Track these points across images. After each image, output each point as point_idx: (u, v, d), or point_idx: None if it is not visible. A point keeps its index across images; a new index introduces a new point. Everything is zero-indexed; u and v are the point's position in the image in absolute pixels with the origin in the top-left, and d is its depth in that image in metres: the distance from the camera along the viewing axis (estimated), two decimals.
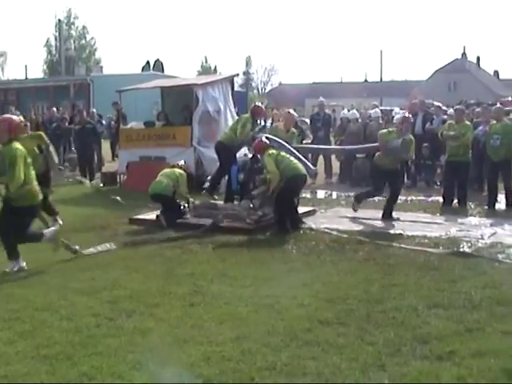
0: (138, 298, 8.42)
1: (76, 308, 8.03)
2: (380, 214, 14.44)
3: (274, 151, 13.30)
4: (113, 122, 27.89)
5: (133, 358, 6.37)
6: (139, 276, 9.57)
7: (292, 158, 13.39)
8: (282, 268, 10.08)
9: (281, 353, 6.46)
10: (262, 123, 22.90)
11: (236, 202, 14.73)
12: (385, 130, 15.33)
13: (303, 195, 15.64)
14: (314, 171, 15.07)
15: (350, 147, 18.89)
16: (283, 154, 13.41)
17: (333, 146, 20.56)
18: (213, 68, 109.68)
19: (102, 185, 21.23)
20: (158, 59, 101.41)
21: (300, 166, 13.33)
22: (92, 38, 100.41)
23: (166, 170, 14.16)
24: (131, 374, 6.02)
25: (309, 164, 14.40)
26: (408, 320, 7.49)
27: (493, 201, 15.98)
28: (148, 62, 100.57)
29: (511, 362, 6.16)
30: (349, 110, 24.26)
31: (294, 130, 15.91)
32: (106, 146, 26.10)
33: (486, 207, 15.91)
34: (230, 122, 20.65)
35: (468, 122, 16.86)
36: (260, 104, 16.11)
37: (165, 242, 11.94)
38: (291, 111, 17.08)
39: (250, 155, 15.07)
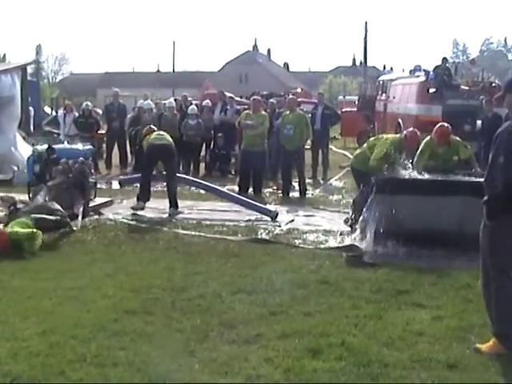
0: None
1: None
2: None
3: None
4: None
5: None
6: None
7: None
8: (84, 259, 9.97)
9: (90, 344, 6.39)
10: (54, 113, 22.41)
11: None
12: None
13: (99, 186, 15.45)
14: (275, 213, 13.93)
15: None
16: None
17: None
18: (1, 56, 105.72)
19: None
20: None
21: None
22: None
23: None
24: None
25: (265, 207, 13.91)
26: (213, 306, 7.62)
27: (287, 188, 16.48)
28: None
29: (315, 341, 6.43)
30: (144, 100, 24.14)
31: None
32: None
33: (281, 195, 16.39)
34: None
35: (264, 112, 17.30)
36: None
37: None
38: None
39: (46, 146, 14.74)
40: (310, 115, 19.63)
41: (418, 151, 12.31)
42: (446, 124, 12.86)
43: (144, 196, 14.10)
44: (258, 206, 13.71)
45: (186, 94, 25.03)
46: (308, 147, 19.94)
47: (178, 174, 15.01)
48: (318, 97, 23.15)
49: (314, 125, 19.46)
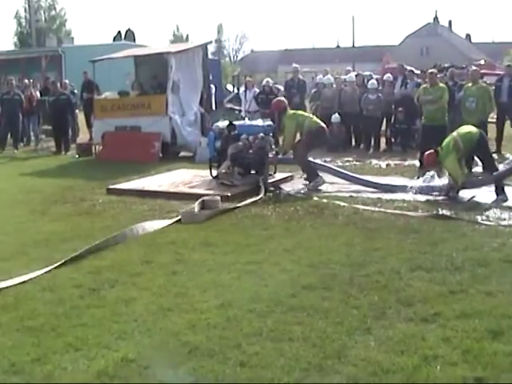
0: (120, 267, 8.35)
1: (58, 279, 7.93)
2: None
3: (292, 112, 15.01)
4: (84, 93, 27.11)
5: (118, 328, 6.33)
6: (120, 246, 9.46)
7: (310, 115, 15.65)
8: (263, 234, 10.05)
9: (266, 319, 6.46)
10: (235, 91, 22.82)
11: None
12: None
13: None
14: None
15: None
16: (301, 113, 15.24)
17: None
18: (185, 37, 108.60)
19: (77, 156, 21.05)
20: (129, 29, 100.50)
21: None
22: (62, 9, 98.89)
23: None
24: (117, 343, 5.99)
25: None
26: (391, 283, 7.51)
27: (470, 164, 16.00)
28: (119, 32, 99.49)
29: (495, 323, 6.22)
30: (324, 76, 24.14)
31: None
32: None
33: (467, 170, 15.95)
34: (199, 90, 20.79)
35: (443, 85, 16.89)
36: None
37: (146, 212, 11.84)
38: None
39: (227, 123, 15.00)
40: (493, 88, 19.04)
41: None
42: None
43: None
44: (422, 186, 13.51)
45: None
46: (493, 121, 19.35)
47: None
48: (507, 69, 22.08)
49: (500, 97, 18.85)
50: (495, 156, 17.61)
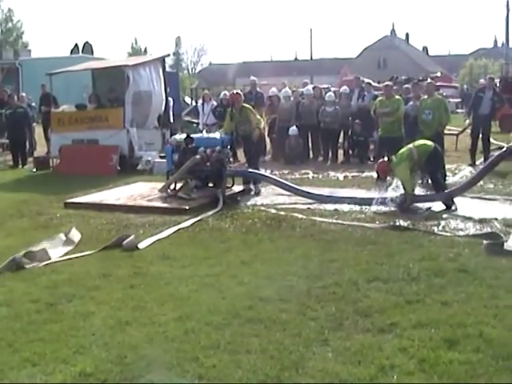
0: (78, 281, 8.32)
1: (14, 294, 7.88)
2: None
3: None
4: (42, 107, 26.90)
5: (75, 343, 6.31)
6: (77, 259, 9.42)
7: None
8: (221, 247, 10.06)
9: (224, 331, 6.48)
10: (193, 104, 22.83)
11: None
12: None
13: None
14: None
15: None
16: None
17: None
18: (143, 49, 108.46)
19: (34, 169, 20.87)
20: (87, 42, 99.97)
21: None
22: (18, 21, 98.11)
23: None
24: (75, 358, 5.97)
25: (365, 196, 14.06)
26: (348, 294, 7.57)
27: (424, 175, 16.14)
28: (77, 45, 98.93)
29: (451, 332, 6.29)
30: (280, 90, 24.18)
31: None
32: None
33: (420, 181, 16.09)
34: (162, 103, 20.89)
35: (398, 97, 17.10)
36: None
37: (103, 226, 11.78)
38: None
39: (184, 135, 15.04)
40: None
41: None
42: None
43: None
44: (356, 198, 13.66)
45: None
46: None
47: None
48: (489, 82, 21.43)
49: (479, 109, 19.11)
50: (470, 168, 17.88)
